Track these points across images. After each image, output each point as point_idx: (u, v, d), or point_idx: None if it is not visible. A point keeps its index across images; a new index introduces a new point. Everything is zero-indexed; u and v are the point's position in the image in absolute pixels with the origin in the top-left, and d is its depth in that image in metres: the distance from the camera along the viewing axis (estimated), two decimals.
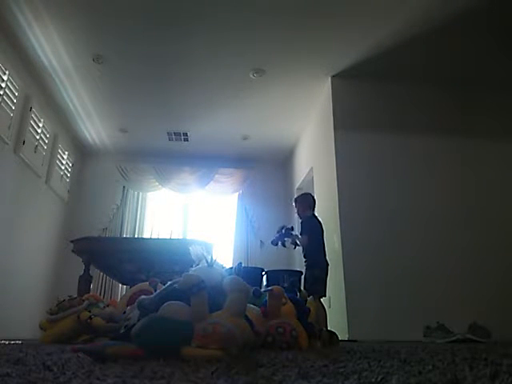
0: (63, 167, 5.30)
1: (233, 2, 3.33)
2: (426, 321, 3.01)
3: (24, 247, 4.40)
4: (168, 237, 5.55)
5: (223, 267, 1.34)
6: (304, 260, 2.86)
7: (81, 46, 3.86)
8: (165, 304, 1.01)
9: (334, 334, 2.21)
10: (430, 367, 0.72)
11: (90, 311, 2.21)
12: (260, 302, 1.51)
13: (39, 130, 4.52)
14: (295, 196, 3.16)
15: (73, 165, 5.62)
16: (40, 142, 4.57)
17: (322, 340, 1.91)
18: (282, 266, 4.78)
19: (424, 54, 3.94)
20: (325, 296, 2.78)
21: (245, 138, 5.63)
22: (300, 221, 2.98)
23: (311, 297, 2.37)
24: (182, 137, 5.60)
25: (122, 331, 1.19)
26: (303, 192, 3.36)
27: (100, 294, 5.13)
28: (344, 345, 2.02)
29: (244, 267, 1.39)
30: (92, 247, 3.31)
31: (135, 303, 1.08)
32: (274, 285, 1.59)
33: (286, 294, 1.58)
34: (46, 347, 1.54)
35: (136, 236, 5.76)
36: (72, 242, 3.33)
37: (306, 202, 3.01)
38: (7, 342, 2.21)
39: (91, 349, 0.87)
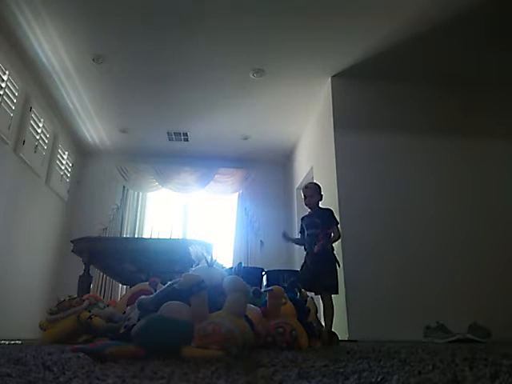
0: (63, 167, 5.30)
1: (233, 2, 3.33)
2: (426, 321, 3.01)
3: (24, 247, 4.40)
4: (168, 237, 5.56)
5: (223, 267, 1.34)
6: (314, 254, 2.51)
7: (81, 46, 3.86)
8: (165, 304, 1.01)
9: (334, 333, 2.21)
10: (430, 367, 0.72)
11: (90, 311, 2.21)
12: (260, 302, 1.51)
13: (39, 130, 4.52)
14: (306, 183, 2.89)
15: (73, 165, 5.62)
16: (40, 141, 4.57)
17: (321, 340, 1.91)
18: (282, 266, 4.79)
19: (424, 54, 3.94)
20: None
21: (245, 138, 5.63)
22: (313, 211, 2.71)
23: (310, 297, 2.37)
24: (182, 137, 5.60)
25: (121, 331, 1.19)
26: (310, 182, 3.09)
27: (100, 294, 5.13)
28: (344, 345, 2.02)
29: (244, 267, 1.39)
30: (92, 247, 3.32)
31: (135, 303, 1.08)
32: (273, 285, 1.59)
33: (285, 294, 1.58)
34: (46, 347, 1.54)
35: (136, 236, 5.76)
36: (72, 242, 3.33)
37: (319, 191, 2.78)
38: (7, 342, 2.21)
39: (91, 349, 0.87)
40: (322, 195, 2.79)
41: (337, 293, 2.51)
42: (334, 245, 2.58)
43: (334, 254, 2.56)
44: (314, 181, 4.78)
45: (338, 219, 3.69)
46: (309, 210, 2.78)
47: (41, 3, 3.33)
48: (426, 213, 3.86)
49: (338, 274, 2.52)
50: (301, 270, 2.63)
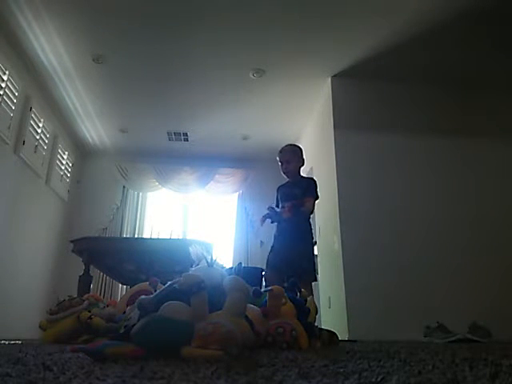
0: (63, 167, 5.31)
1: (233, 2, 3.33)
2: (426, 321, 3.01)
3: (24, 247, 4.40)
4: (168, 237, 5.55)
5: (223, 267, 1.34)
6: (286, 231, 2.15)
7: (81, 46, 3.86)
8: (165, 304, 1.01)
9: (334, 333, 2.21)
10: (430, 367, 0.72)
11: (89, 311, 2.20)
12: (260, 302, 1.51)
13: (39, 130, 4.52)
14: (284, 146, 2.36)
15: (73, 165, 5.62)
16: (40, 141, 4.57)
17: (321, 340, 1.90)
18: None
19: (424, 54, 3.94)
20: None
21: (245, 138, 5.63)
22: (292, 179, 2.29)
23: (311, 297, 2.36)
24: (182, 137, 5.60)
25: (121, 331, 1.19)
26: (292, 143, 2.50)
27: (100, 294, 5.13)
28: (344, 345, 2.02)
29: (244, 267, 1.39)
30: (92, 247, 3.31)
31: (135, 303, 1.08)
32: (273, 285, 1.58)
33: (285, 294, 1.57)
34: (46, 347, 1.54)
35: (136, 236, 5.76)
36: (72, 242, 3.33)
37: (299, 155, 2.28)
38: (7, 342, 2.21)
39: (91, 349, 0.87)
40: (303, 159, 2.31)
41: (315, 280, 2.13)
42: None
43: (311, 233, 2.18)
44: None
45: (338, 219, 3.74)
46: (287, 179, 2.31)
47: (41, 3, 3.34)
48: (425, 213, 3.86)
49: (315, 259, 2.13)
50: (270, 252, 2.24)
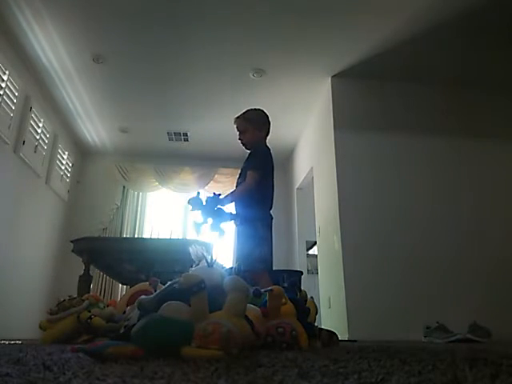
0: (63, 167, 5.31)
1: (233, 2, 3.33)
2: (425, 321, 3.01)
3: (24, 247, 4.40)
4: (168, 237, 5.55)
5: (223, 267, 1.34)
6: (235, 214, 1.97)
7: (81, 46, 3.86)
8: (165, 304, 1.01)
9: (334, 333, 2.21)
10: (430, 367, 0.72)
11: (89, 311, 2.20)
12: (260, 302, 1.51)
13: (39, 130, 4.52)
14: (240, 113, 2.01)
15: (73, 165, 5.62)
16: (40, 141, 4.57)
17: (321, 340, 1.90)
18: (282, 266, 4.78)
19: (424, 54, 3.94)
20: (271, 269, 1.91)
21: None
22: (249, 151, 2.00)
23: (311, 297, 2.36)
24: (182, 137, 5.60)
25: (121, 331, 1.19)
26: (254, 108, 2.07)
27: (100, 294, 5.13)
28: (344, 345, 2.02)
29: None
30: (92, 247, 3.31)
31: (135, 303, 1.08)
32: (273, 285, 1.58)
33: (285, 294, 1.57)
34: (46, 347, 1.54)
35: (136, 236, 5.76)
36: (72, 242, 3.33)
37: (260, 120, 1.93)
38: (7, 342, 2.21)
39: (91, 349, 0.87)
40: (265, 127, 1.95)
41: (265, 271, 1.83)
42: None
43: (262, 232, 1.89)
44: (313, 179, 4.77)
45: (338, 219, 3.74)
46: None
47: (41, 3, 3.34)
48: (426, 212, 3.86)
49: (270, 239, 1.86)
50: None
